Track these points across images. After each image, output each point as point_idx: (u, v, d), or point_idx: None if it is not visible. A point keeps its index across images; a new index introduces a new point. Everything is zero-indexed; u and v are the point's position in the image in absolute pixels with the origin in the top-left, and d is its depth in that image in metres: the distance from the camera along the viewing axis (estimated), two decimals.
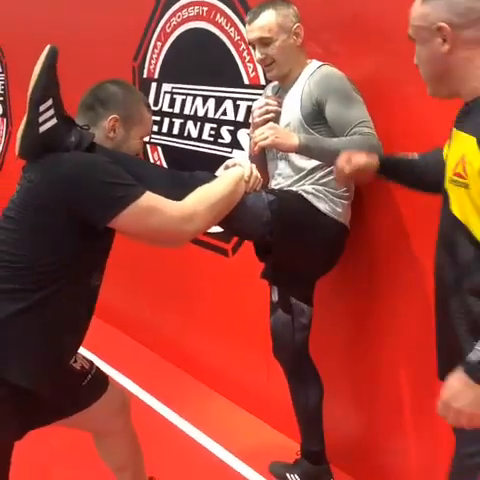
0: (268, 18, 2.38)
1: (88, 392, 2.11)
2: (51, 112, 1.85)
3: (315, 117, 2.37)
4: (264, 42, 2.41)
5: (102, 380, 2.18)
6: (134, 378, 3.64)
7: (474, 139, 1.51)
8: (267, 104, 2.49)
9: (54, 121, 1.86)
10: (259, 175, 2.16)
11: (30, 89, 1.85)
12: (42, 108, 1.83)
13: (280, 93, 2.55)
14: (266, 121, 2.45)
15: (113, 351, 3.95)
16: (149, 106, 2.14)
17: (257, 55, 2.45)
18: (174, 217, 1.89)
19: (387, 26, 2.39)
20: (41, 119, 1.84)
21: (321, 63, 2.45)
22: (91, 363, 2.16)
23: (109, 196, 1.81)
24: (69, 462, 2.86)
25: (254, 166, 2.17)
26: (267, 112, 2.47)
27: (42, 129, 1.84)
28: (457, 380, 1.56)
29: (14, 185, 1.95)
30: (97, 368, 2.17)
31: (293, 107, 2.41)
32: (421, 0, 1.59)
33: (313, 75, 2.40)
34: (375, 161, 2.08)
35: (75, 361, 2.08)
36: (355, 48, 2.53)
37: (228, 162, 2.18)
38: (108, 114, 2.00)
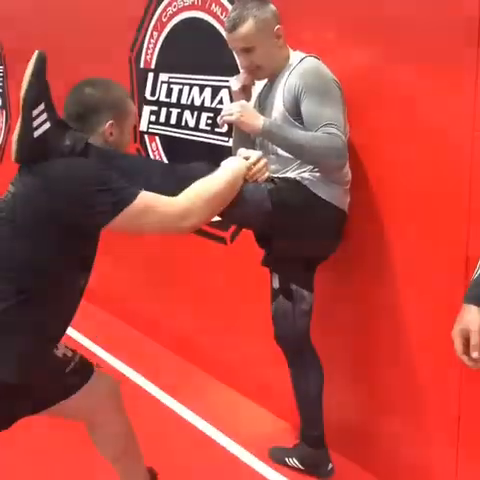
0: (248, 28, 2.38)
1: (70, 380, 2.11)
2: (44, 116, 1.87)
3: (296, 110, 2.38)
4: (247, 51, 2.42)
5: (86, 368, 2.17)
6: (133, 365, 3.67)
7: None
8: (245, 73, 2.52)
9: (48, 125, 1.88)
10: (266, 165, 2.19)
11: (22, 94, 1.86)
12: (35, 112, 1.86)
13: (267, 88, 2.57)
14: (244, 88, 2.51)
15: (113, 340, 3.98)
16: (129, 96, 2.14)
17: (242, 63, 2.47)
18: (170, 215, 1.90)
19: (381, 14, 2.40)
20: (35, 123, 1.86)
21: (303, 55, 2.46)
22: (74, 352, 2.16)
23: (104, 203, 1.83)
24: (67, 451, 2.89)
25: (260, 153, 2.20)
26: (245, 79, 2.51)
27: (36, 134, 1.86)
28: None
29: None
30: (81, 356, 2.17)
31: (278, 100, 2.44)
32: None
33: (295, 68, 2.41)
34: None
35: (57, 349, 2.09)
36: (347, 36, 2.55)
37: (240, 151, 2.21)
38: (104, 121, 2.01)
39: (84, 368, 2.17)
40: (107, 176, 1.86)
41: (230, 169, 2.08)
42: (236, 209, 2.14)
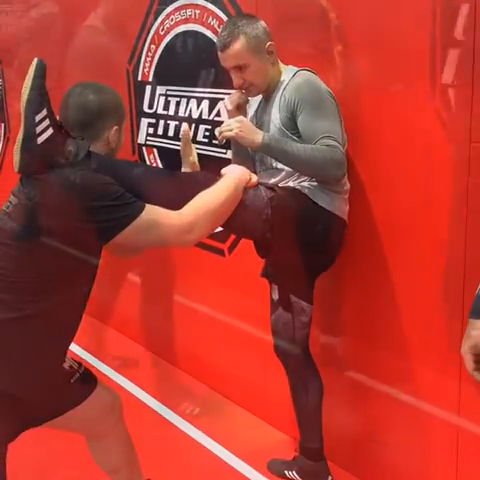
0: (240, 46, 2.39)
1: (76, 390, 2.11)
2: (47, 122, 1.86)
3: (293, 124, 2.40)
4: (239, 68, 2.43)
5: (90, 379, 2.19)
6: (130, 376, 3.66)
7: None
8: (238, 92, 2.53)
9: (51, 131, 1.86)
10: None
11: (23, 101, 1.85)
12: (38, 118, 1.84)
13: (263, 104, 2.58)
14: (238, 107, 2.51)
15: (110, 350, 3.97)
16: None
17: (235, 80, 2.47)
18: (174, 229, 1.91)
19: (376, 27, 2.42)
20: (38, 129, 1.84)
21: (296, 69, 2.46)
22: (79, 364, 2.17)
23: (110, 218, 1.83)
24: (70, 462, 2.88)
25: None
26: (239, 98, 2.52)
27: (40, 140, 1.84)
28: None
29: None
30: (85, 368, 2.18)
31: (274, 116, 2.45)
32: None
33: (289, 84, 2.42)
34: None
35: (64, 361, 2.09)
36: (344, 50, 2.56)
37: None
38: (110, 126, 2.01)
39: (88, 380, 2.18)
40: (113, 190, 1.85)
41: (233, 179, 2.08)
42: (236, 216, 2.15)
